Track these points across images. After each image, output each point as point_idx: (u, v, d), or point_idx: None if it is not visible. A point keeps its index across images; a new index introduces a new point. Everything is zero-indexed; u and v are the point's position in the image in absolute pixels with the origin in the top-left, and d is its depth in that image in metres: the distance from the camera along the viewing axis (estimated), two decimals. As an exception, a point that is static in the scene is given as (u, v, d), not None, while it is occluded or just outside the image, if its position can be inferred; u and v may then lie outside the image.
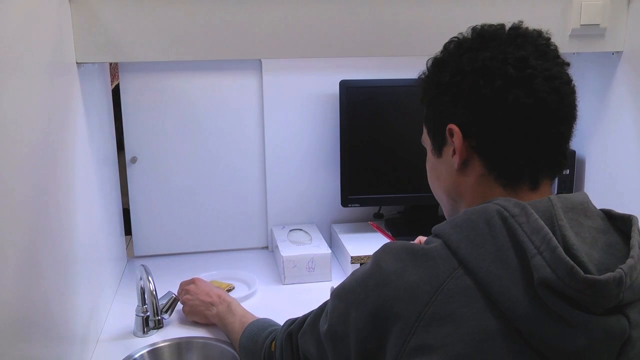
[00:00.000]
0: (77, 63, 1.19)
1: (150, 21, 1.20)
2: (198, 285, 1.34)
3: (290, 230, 1.73)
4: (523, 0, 1.33)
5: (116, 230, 1.59)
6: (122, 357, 1.21)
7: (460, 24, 1.33)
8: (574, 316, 0.60)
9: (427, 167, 0.87)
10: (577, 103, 0.75)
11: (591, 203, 0.72)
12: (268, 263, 1.71)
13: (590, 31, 1.38)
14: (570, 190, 1.59)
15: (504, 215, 0.65)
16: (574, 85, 0.75)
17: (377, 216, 1.82)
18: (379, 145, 1.67)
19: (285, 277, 1.55)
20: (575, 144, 1.62)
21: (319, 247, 1.59)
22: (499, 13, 1.32)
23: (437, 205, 1.78)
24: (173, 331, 1.32)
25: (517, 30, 0.76)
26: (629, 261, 0.63)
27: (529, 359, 0.62)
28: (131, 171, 1.70)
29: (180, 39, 1.22)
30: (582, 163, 1.58)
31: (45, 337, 0.91)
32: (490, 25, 0.78)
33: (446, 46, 0.81)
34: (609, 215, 0.72)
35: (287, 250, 1.58)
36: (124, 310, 1.39)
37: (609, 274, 0.60)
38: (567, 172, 1.58)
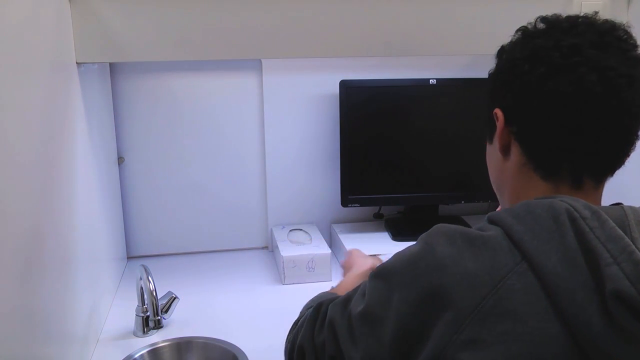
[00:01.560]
0: (77, 63, 1.19)
1: (150, 21, 1.20)
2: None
3: (290, 230, 1.73)
4: (523, 0, 1.33)
5: (116, 230, 1.59)
6: (122, 357, 1.21)
7: (460, 24, 1.34)
8: None
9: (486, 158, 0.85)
10: (636, 101, 0.68)
11: None
12: (268, 263, 1.71)
13: (590, 31, 1.38)
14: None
15: (574, 216, 0.62)
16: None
17: (377, 216, 1.82)
18: (379, 145, 1.67)
19: (285, 277, 1.55)
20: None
21: (319, 247, 1.59)
22: (499, 13, 1.32)
23: (437, 205, 1.79)
24: (173, 331, 1.32)
25: (585, 19, 0.72)
26: None
27: None
28: (131, 171, 1.70)
29: (180, 39, 1.22)
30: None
31: (45, 337, 0.91)
32: (557, 15, 0.75)
33: (513, 36, 0.78)
34: None
35: (287, 250, 1.58)
36: (124, 310, 1.39)
37: None
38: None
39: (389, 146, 1.68)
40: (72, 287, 1.07)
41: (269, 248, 1.81)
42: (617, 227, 0.61)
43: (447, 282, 0.63)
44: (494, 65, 0.80)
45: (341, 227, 1.77)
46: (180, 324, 1.35)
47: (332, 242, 1.78)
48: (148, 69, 1.64)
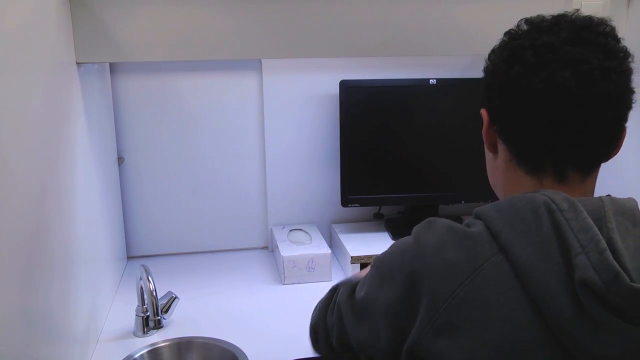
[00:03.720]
0: (77, 63, 1.19)
1: (150, 21, 1.20)
2: None
3: (290, 230, 1.73)
4: (523, 0, 1.33)
5: (116, 230, 1.60)
6: (122, 357, 1.21)
7: (460, 24, 1.33)
8: (610, 322, 0.58)
9: None
10: (620, 93, 0.70)
11: (638, 210, 0.70)
12: (268, 263, 1.71)
13: (590, 31, 1.38)
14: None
15: (552, 208, 0.64)
16: (623, 73, 0.70)
17: (377, 216, 1.82)
18: (379, 145, 1.67)
19: (285, 277, 1.55)
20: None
21: (319, 247, 1.59)
22: (499, 13, 1.32)
23: (437, 205, 1.79)
24: (173, 331, 1.32)
25: (565, 17, 0.74)
26: None
27: (557, 356, 0.61)
28: (131, 171, 1.70)
29: (180, 39, 1.22)
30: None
31: (45, 337, 0.91)
32: (540, 16, 0.77)
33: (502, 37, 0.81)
34: None
35: (287, 250, 1.58)
36: (124, 310, 1.39)
37: None
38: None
39: (389, 146, 1.68)
40: (72, 287, 1.07)
41: (269, 248, 1.81)
42: (589, 218, 0.62)
43: (427, 269, 0.67)
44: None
45: (341, 227, 1.77)
46: (180, 324, 1.35)
47: (332, 242, 1.78)
48: (148, 69, 1.64)
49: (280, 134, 1.73)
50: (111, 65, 1.61)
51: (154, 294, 1.25)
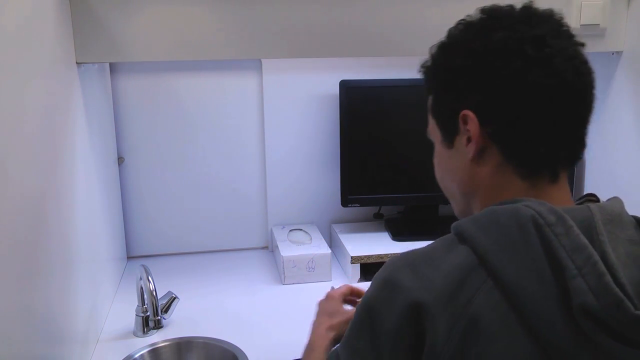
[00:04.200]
0: (77, 63, 1.19)
1: (150, 21, 1.20)
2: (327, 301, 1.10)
3: (290, 230, 1.73)
4: (523, 0, 1.33)
5: (116, 230, 1.60)
6: (122, 357, 1.21)
7: (460, 24, 1.33)
8: (612, 347, 0.56)
9: (435, 162, 0.81)
10: (594, 84, 0.69)
11: (625, 210, 0.67)
12: (268, 263, 1.71)
13: (590, 31, 1.38)
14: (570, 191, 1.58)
15: (539, 223, 0.59)
16: (591, 66, 0.69)
17: (377, 216, 1.82)
18: (379, 145, 1.67)
19: (285, 277, 1.55)
20: (575, 144, 1.62)
21: (319, 247, 1.59)
22: (499, 13, 1.32)
23: (437, 205, 1.79)
24: (173, 331, 1.32)
25: (530, 10, 0.71)
26: None
27: None
28: (131, 171, 1.70)
29: (180, 39, 1.22)
30: (582, 163, 1.58)
31: (46, 337, 0.91)
32: (500, 5, 0.73)
33: (452, 30, 0.75)
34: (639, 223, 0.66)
35: (287, 250, 1.58)
36: (124, 310, 1.39)
37: None
38: (567, 172, 1.58)
39: (389, 146, 1.68)
40: (72, 287, 1.07)
41: (269, 248, 1.81)
42: (581, 235, 0.59)
43: (426, 310, 0.61)
44: (434, 62, 0.76)
45: (341, 227, 1.77)
46: (180, 324, 1.35)
47: (332, 242, 1.78)
48: (148, 69, 1.64)
49: (280, 134, 1.73)
50: (111, 65, 1.61)
51: (154, 294, 1.25)
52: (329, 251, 1.58)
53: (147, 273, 1.26)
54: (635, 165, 1.38)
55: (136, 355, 1.22)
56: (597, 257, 0.57)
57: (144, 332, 1.30)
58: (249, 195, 1.78)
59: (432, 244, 0.67)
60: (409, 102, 1.65)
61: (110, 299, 1.45)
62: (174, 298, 1.34)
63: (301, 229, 1.74)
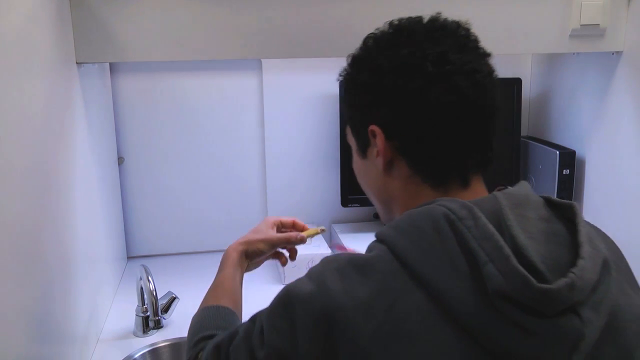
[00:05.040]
0: (77, 63, 1.19)
1: (150, 21, 1.20)
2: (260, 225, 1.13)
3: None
4: (523, 0, 1.33)
5: (116, 230, 1.60)
6: (122, 357, 1.21)
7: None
8: (529, 322, 0.58)
9: (354, 168, 0.83)
10: (498, 95, 0.72)
11: (532, 191, 0.70)
12: (268, 263, 1.70)
13: (590, 31, 1.38)
14: (570, 191, 1.59)
15: (451, 219, 0.62)
16: (496, 76, 0.73)
17: (377, 216, 1.82)
18: (379, 145, 1.67)
19: (285, 277, 1.55)
20: (575, 144, 1.62)
21: (319, 247, 1.59)
22: (499, 13, 1.32)
23: (437, 205, 1.79)
24: (173, 331, 1.32)
25: (435, 23, 0.74)
26: (580, 263, 0.61)
27: None
28: (131, 171, 1.70)
29: (180, 39, 1.22)
30: (582, 163, 1.58)
31: (46, 337, 0.91)
32: (409, 19, 0.76)
33: (365, 42, 0.77)
34: (549, 202, 0.69)
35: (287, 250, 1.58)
36: (124, 310, 1.39)
37: (561, 282, 0.58)
38: (567, 172, 1.58)
39: (389, 146, 1.68)
40: (72, 287, 1.07)
41: (269, 248, 1.81)
42: (488, 223, 0.61)
43: (345, 315, 0.61)
44: (347, 74, 0.79)
45: (341, 227, 1.77)
46: (180, 324, 1.34)
47: (332, 242, 1.78)
48: (148, 69, 1.64)
49: (280, 134, 1.73)
50: (111, 65, 1.61)
51: (154, 294, 1.25)
52: (329, 251, 1.58)
53: (147, 273, 1.26)
54: (636, 165, 1.38)
55: (136, 355, 1.22)
56: (502, 242, 0.60)
57: (144, 332, 1.30)
58: (248, 195, 1.78)
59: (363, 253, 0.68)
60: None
61: (110, 299, 1.45)
62: (174, 298, 1.34)
63: (301, 229, 1.74)
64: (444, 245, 0.62)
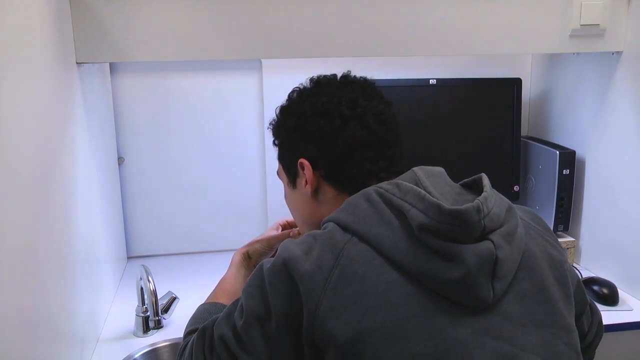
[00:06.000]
0: (77, 63, 1.19)
1: (150, 21, 1.20)
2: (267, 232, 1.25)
3: (290, 230, 1.73)
4: (524, 0, 1.33)
5: (116, 230, 1.60)
6: (122, 357, 1.21)
7: (461, 25, 1.33)
8: (450, 249, 0.72)
9: (286, 200, 0.99)
10: (399, 131, 0.92)
11: (448, 177, 0.84)
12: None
13: (590, 31, 1.38)
14: (570, 191, 1.59)
15: (380, 191, 0.78)
16: (395, 117, 0.92)
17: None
18: (378, 145, 1.68)
19: (285, 277, 1.55)
20: (575, 144, 1.62)
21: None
22: (499, 14, 1.32)
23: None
24: (173, 331, 1.32)
25: (347, 78, 0.94)
26: (483, 194, 0.76)
27: (425, 296, 0.72)
28: (131, 171, 1.70)
29: (180, 39, 1.22)
30: (582, 163, 1.58)
31: (45, 337, 0.91)
32: (325, 76, 0.96)
33: (290, 95, 0.97)
34: (463, 185, 0.84)
35: (287, 250, 1.58)
36: (124, 310, 1.39)
37: (468, 204, 0.72)
38: (567, 172, 1.58)
39: (389, 146, 1.68)
40: (72, 287, 1.07)
41: (269, 248, 1.81)
42: (409, 184, 0.77)
43: (303, 269, 0.74)
44: (277, 121, 0.97)
45: (341, 227, 1.77)
46: (180, 324, 1.34)
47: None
48: (148, 69, 1.64)
49: (280, 134, 1.73)
50: (111, 65, 1.61)
51: (154, 294, 1.25)
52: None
53: (147, 273, 1.26)
54: (636, 165, 1.38)
55: (136, 355, 1.22)
56: (420, 189, 0.76)
57: (144, 332, 1.30)
58: (249, 195, 1.78)
59: None
60: (409, 102, 1.65)
61: (110, 299, 1.45)
62: (174, 298, 1.34)
63: (301, 229, 1.74)
64: (376, 209, 0.77)
